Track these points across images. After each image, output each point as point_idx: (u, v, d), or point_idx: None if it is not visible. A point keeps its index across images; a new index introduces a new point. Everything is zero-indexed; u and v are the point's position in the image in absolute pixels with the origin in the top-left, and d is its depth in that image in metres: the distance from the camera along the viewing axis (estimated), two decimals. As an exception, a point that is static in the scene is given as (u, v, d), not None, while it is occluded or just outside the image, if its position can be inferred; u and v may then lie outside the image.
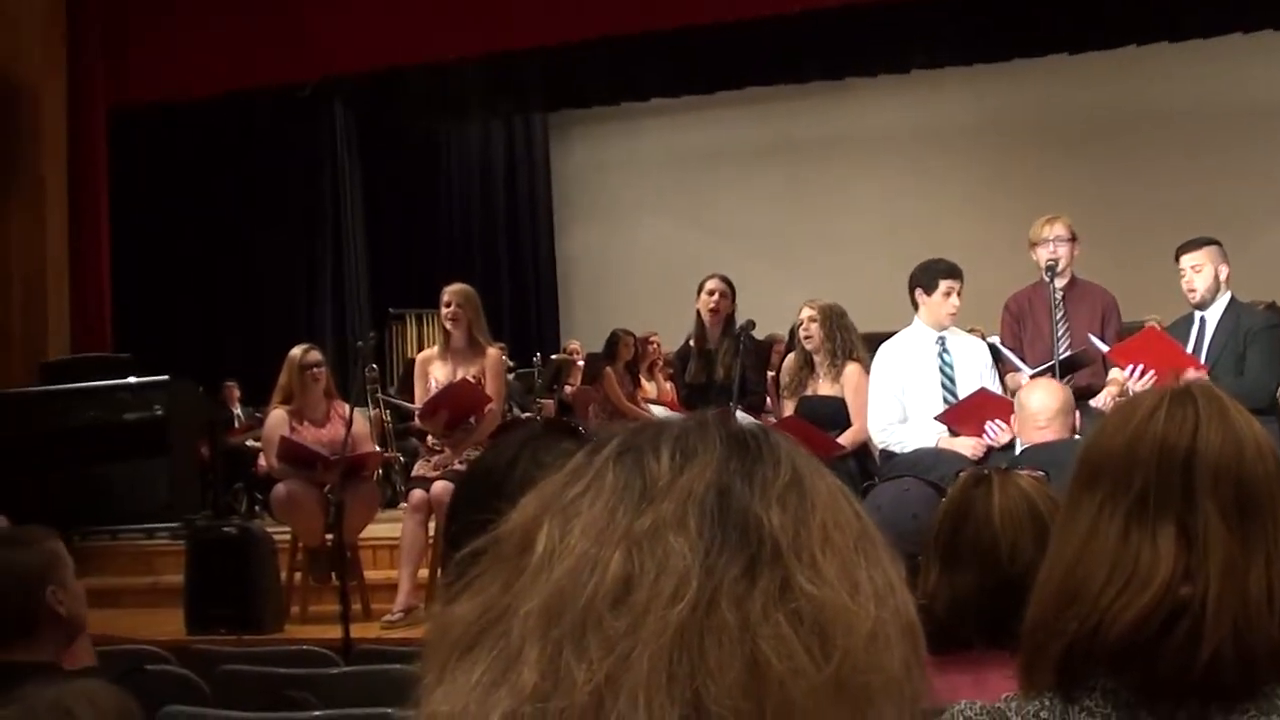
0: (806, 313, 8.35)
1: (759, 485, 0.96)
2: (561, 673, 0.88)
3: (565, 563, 0.92)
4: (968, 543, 2.71)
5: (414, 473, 8.92)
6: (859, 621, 0.92)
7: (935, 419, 7.51)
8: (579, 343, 15.87)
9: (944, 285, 7.72)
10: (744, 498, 0.94)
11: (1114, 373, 7.60)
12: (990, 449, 7.16)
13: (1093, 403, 7.44)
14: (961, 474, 2.95)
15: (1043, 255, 7.86)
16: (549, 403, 13.76)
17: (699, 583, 0.89)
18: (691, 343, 9.03)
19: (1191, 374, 6.74)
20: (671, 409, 10.47)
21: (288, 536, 9.00)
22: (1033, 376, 7.46)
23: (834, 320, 8.27)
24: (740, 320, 8.78)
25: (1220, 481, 1.74)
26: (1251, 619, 1.68)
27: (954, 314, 7.82)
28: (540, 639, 0.90)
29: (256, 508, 12.53)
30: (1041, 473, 2.87)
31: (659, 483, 0.95)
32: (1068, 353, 7.66)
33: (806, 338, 8.29)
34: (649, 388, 12.55)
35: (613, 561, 0.91)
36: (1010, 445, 6.96)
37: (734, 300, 8.89)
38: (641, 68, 15.23)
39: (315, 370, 8.94)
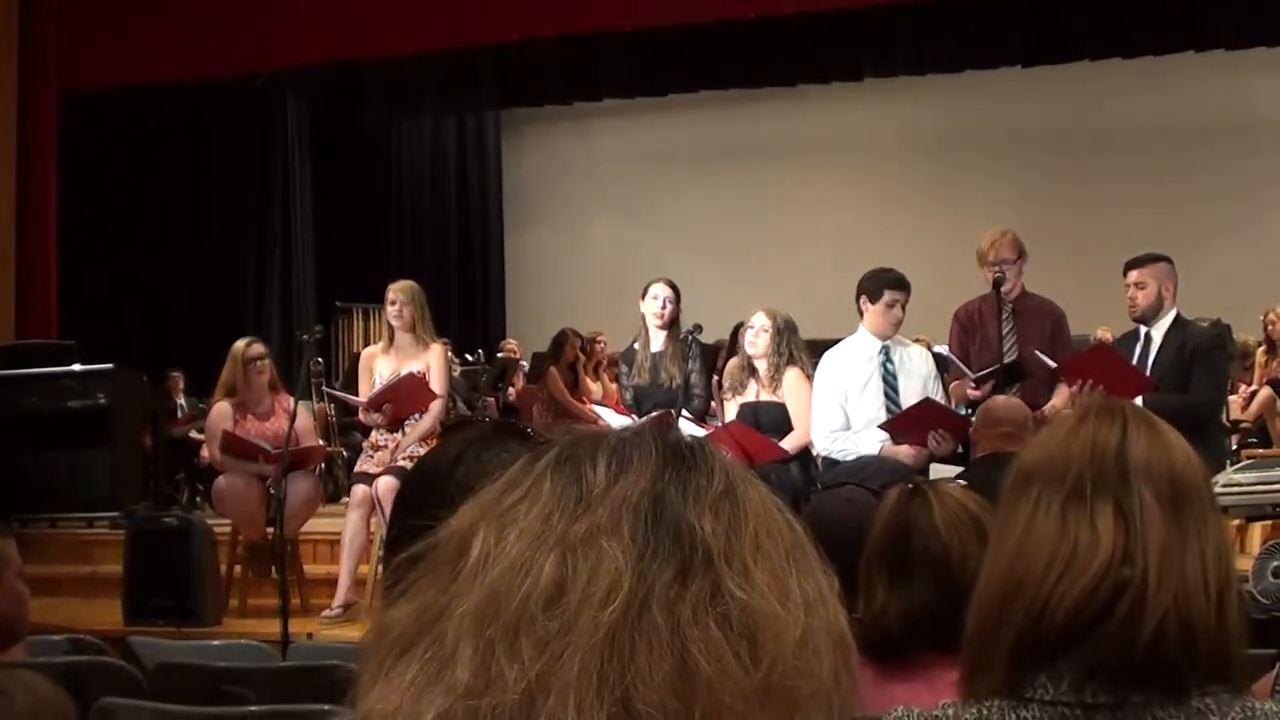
0: (761, 321, 8.19)
1: (693, 494, 0.97)
2: (494, 672, 0.90)
3: (500, 566, 0.93)
4: (917, 555, 2.70)
5: (357, 468, 8.88)
6: (789, 628, 0.93)
7: (879, 427, 7.52)
8: (515, 342, 15.81)
9: (889, 295, 7.67)
10: (678, 505, 0.96)
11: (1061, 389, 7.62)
12: (932, 458, 7.18)
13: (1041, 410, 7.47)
14: (891, 490, 2.94)
15: (990, 270, 7.88)
16: (491, 401, 13.75)
17: (631, 586, 0.91)
18: (637, 345, 8.98)
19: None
20: (616, 410, 10.45)
21: (228, 529, 8.96)
22: (976, 380, 7.50)
23: (786, 334, 8.18)
24: (687, 324, 8.76)
25: (1153, 472, 1.77)
26: (1190, 597, 1.71)
27: (896, 325, 7.78)
28: (474, 639, 0.91)
29: (198, 499, 12.47)
30: (964, 482, 2.88)
31: (595, 491, 0.96)
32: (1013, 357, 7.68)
33: (751, 344, 8.22)
34: (594, 388, 12.54)
35: (547, 564, 0.92)
36: (953, 455, 6.98)
37: (679, 304, 8.83)
38: (596, 68, 15.22)
39: (259, 364, 8.89)
